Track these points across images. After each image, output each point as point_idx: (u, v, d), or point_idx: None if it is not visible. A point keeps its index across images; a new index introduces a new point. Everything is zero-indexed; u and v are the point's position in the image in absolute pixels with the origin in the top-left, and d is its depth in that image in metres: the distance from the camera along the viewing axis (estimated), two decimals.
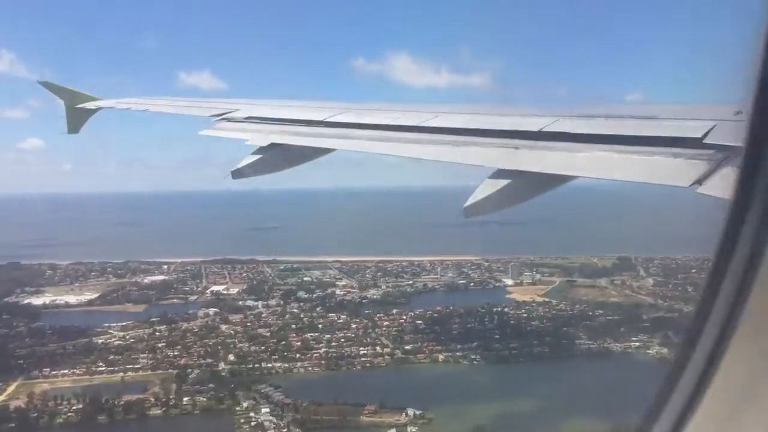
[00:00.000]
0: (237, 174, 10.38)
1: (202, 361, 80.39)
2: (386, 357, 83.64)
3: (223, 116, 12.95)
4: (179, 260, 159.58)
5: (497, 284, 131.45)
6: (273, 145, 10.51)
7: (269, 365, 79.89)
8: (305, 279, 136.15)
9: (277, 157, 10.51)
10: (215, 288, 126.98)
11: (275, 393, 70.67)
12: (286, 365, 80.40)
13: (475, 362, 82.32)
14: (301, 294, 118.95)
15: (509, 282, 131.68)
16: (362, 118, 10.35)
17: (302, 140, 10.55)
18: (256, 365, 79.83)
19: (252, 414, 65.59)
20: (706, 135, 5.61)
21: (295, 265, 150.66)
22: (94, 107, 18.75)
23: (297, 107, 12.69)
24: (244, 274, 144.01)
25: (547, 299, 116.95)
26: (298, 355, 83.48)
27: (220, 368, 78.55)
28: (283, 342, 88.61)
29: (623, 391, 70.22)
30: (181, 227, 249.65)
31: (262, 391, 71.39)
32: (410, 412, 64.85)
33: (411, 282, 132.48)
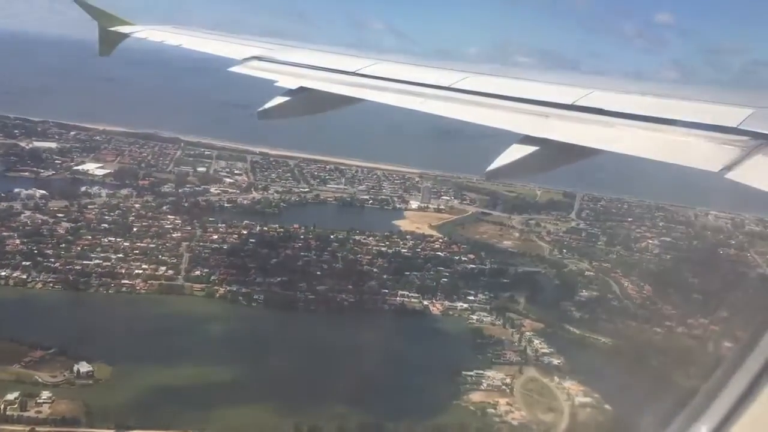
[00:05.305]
0: (263, 114, 10.53)
1: None
2: (157, 282, 70.52)
3: (256, 56, 13.11)
4: (101, 128, 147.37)
5: (399, 205, 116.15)
6: (302, 89, 10.56)
7: (5, 273, 67.48)
8: (199, 169, 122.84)
9: (304, 101, 10.54)
10: (86, 166, 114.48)
11: None
12: (25, 276, 67.64)
13: (253, 304, 68.31)
14: (164, 188, 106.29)
15: (414, 205, 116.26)
16: (394, 72, 10.19)
17: (332, 87, 10.49)
18: None
19: None
20: (742, 121, 5.65)
21: (208, 152, 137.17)
22: (128, 32, 18.40)
23: (332, 54, 12.44)
24: (144, 154, 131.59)
25: (433, 232, 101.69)
26: (57, 265, 71.02)
27: None
28: (64, 245, 76.51)
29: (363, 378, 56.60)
30: (168, 94, 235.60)
31: None
32: (78, 367, 51.87)
33: (308, 189, 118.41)
